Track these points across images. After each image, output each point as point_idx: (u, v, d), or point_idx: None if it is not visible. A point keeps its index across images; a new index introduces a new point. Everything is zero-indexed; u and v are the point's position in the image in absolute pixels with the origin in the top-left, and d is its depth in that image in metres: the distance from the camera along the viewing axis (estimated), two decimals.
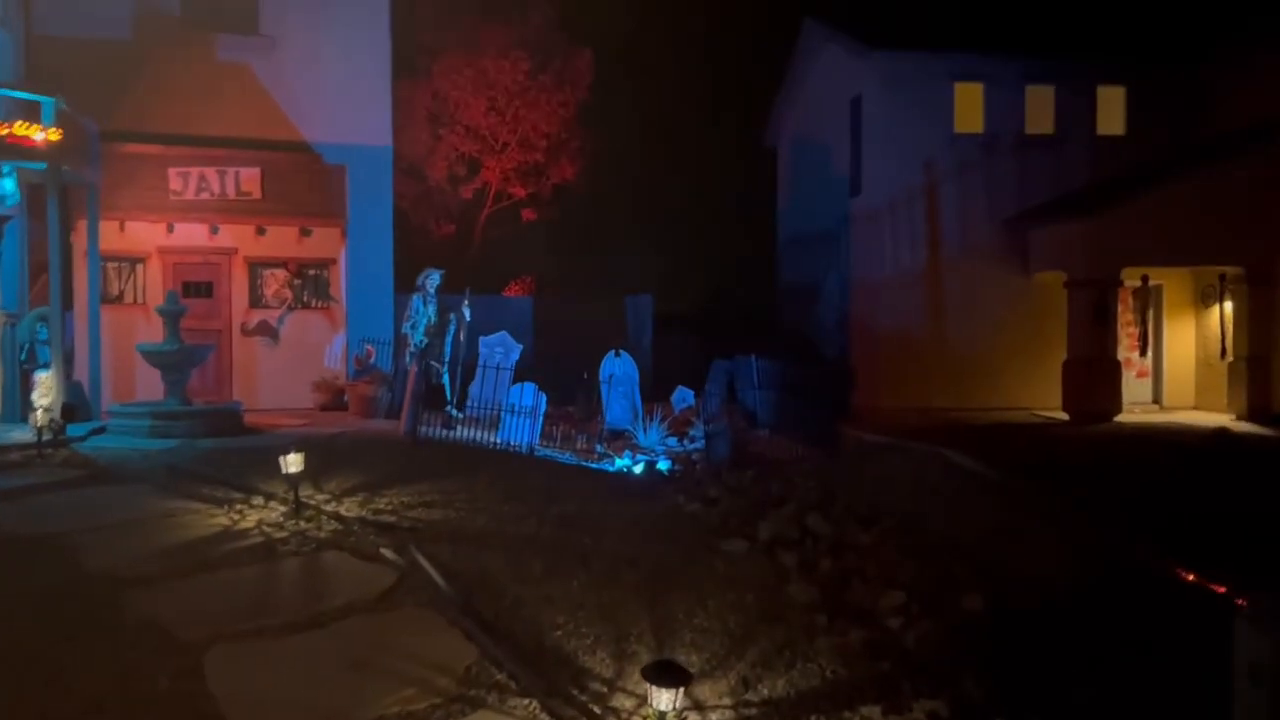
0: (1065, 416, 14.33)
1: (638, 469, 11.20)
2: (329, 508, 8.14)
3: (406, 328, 13.07)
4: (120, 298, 14.15)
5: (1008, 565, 7.29)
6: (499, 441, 11.90)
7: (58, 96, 11.14)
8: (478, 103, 22.80)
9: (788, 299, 20.92)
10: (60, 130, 10.81)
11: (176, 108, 14.28)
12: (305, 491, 8.46)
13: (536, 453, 11.68)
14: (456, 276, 22.50)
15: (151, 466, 9.62)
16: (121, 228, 13.97)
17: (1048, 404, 15.08)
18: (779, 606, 6.35)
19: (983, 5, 18.06)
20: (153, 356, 11.98)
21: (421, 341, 12.89)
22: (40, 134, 10.59)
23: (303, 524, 7.69)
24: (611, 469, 11.37)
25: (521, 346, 14.64)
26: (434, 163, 23.19)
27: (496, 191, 24.65)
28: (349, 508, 8.22)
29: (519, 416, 11.86)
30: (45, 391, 10.70)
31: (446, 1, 22.86)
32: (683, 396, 14.99)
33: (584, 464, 11.50)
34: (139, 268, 14.27)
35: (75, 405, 10.54)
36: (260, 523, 7.70)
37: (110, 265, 14.08)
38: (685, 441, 12.85)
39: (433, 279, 13.08)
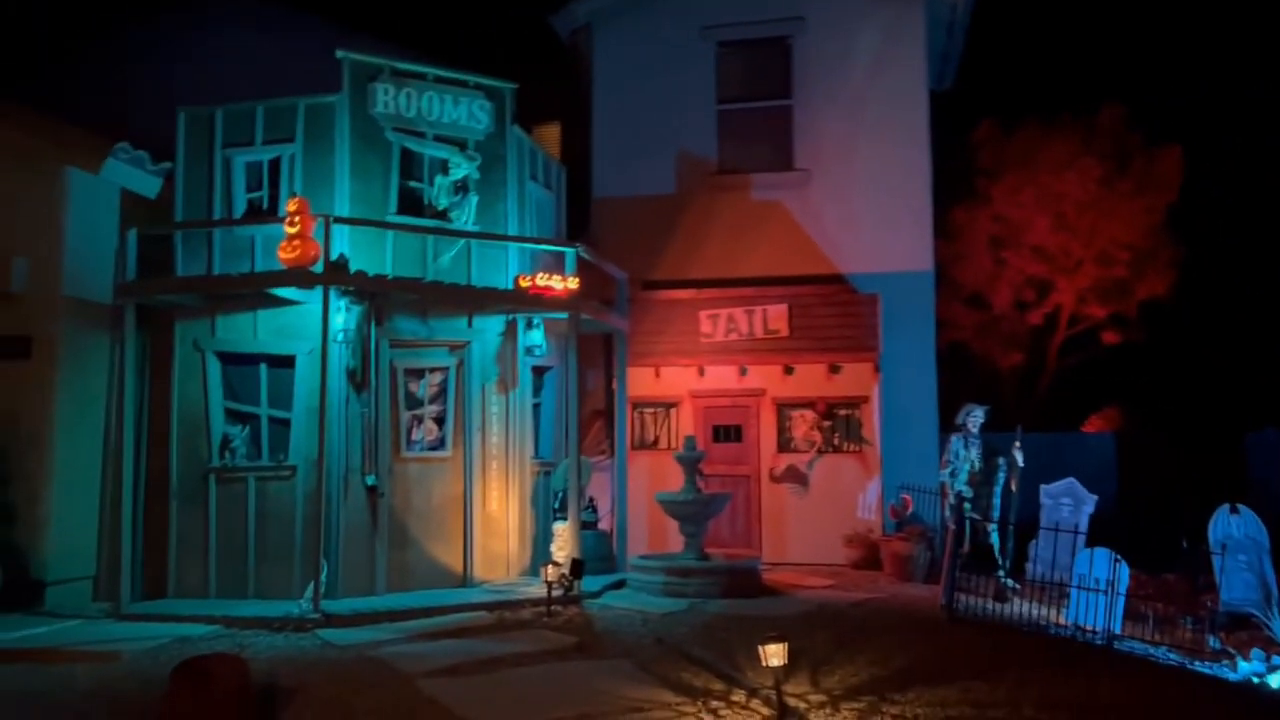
0: None
1: (1277, 680, 7.79)
2: (819, 717, 6.33)
3: (945, 475, 11.08)
4: (655, 443, 13.96)
5: None
6: (1065, 623, 9.25)
7: (579, 246, 11.25)
8: (1042, 220, 20.28)
9: None
10: (579, 278, 10.80)
11: (710, 251, 14.22)
12: (799, 687, 6.84)
13: (1115, 644, 8.77)
14: (1023, 411, 20.06)
15: (647, 634, 8.65)
16: (657, 374, 13.88)
17: None
18: None
19: None
20: (668, 506, 11.31)
21: (963, 491, 10.77)
22: (560, 283, 10.64)
23: None
24: (1232, 676, 8.06)
25: (1096, 497, 11.68)
26: (997, 289, 21.00)
27: (1071, 314, 21.62)
28: (846, 718, 6.33)
29: (1091, 592, 9.09)
30: (561, 545, 10.43)
31: (1003, 115, 21.05)
32: None
33: (1187, 664, 8.35)
34: (672, 412, 13.99)
35: (583, 560, 10.06)
36: None
37: (647, 411, 14.01)
38: None
39: (974, 416, 10.97)
